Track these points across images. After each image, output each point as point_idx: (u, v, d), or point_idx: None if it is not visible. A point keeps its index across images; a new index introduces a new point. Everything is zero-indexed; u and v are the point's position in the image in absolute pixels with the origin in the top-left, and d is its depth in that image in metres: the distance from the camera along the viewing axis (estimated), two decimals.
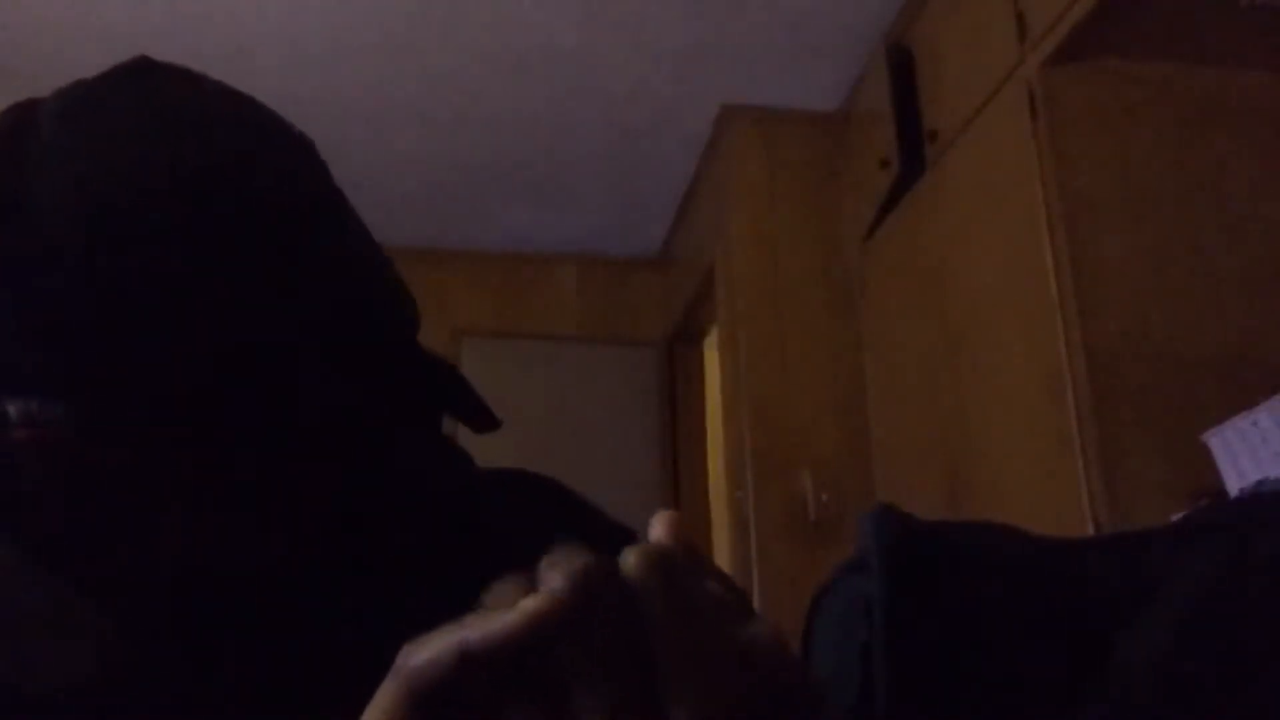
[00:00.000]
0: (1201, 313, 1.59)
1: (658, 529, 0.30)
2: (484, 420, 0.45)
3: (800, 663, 0.30)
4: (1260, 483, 1.31)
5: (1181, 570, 0.43)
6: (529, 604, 0.26)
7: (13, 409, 0.37)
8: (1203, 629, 0.41)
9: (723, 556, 2.96)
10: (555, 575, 0.26)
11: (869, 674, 0.44)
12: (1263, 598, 0.41)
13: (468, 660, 0.26)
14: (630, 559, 0.27)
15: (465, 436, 0.50)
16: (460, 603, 0.28)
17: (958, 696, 0.43)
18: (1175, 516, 1.43)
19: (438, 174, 2.96)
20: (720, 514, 3.01)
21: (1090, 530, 1.52)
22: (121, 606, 0.40)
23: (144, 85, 0.43)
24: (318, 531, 0.41)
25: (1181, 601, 0.42)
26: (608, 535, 0.45)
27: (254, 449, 0.39)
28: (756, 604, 2.30)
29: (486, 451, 0.51)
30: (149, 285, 0.38)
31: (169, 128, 0.41)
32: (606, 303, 3.43)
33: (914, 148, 2.20)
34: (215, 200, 0.39)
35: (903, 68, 2.28)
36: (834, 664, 0.48)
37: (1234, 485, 1.36)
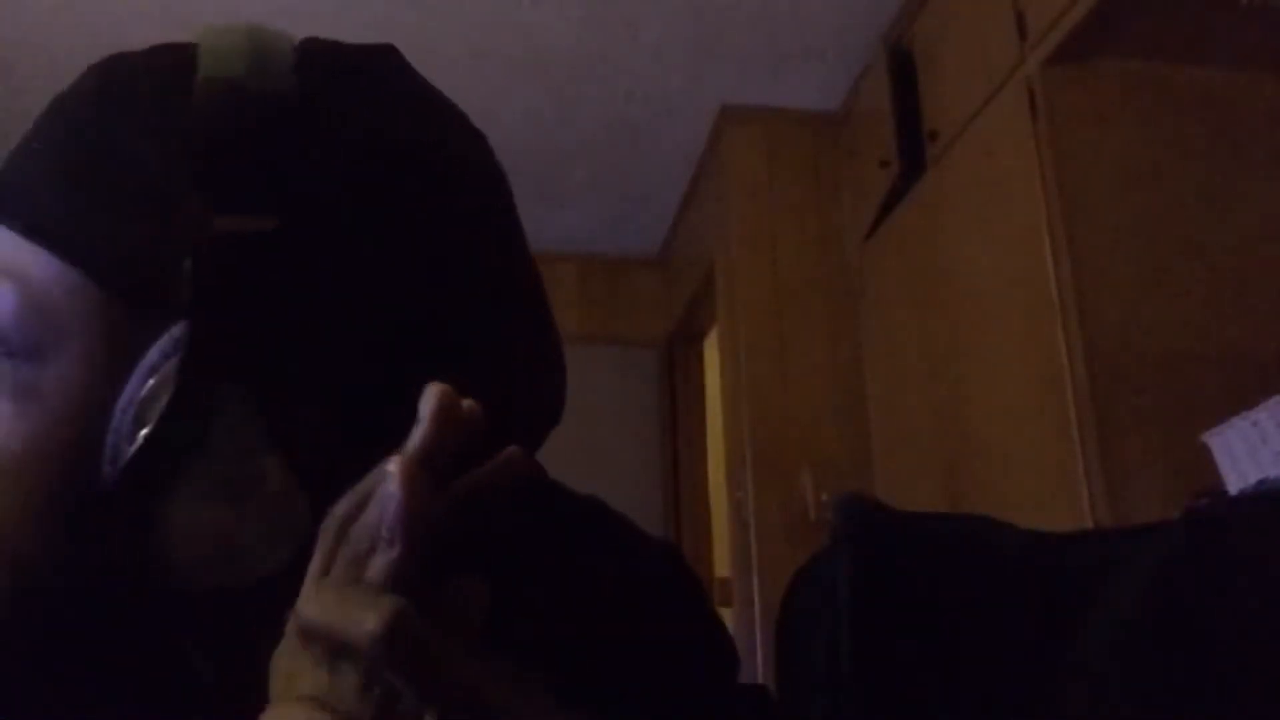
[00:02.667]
0: (1201, 313, 1.59)
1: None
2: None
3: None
4: (1260, 483, 1.31)
5: (1154, 558, 0.44)
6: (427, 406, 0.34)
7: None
8: (1168, 615, 0.42)
9: (723, 556, 2.96)
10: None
11: (835, 655, 0.44)
12: (1234, 586, 0.42)
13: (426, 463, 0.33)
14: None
15: None
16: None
17: (922, 679, 0.43)
18: (1176, 516, 1.43)
19: None
20: (720, 514, 3.01)
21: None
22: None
23: (393, 63, 0.46)
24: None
25: (1136, 588, 0.43)
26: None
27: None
28: (757, 603, 2.30)
29: None
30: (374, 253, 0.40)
31: (426, 106, 0.45)
32: (606, 302, 3.43)
33: (914, 148, 2.20)
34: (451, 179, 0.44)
35: (903, 68, 2.28)
36: (804, 648, 0.48)
37: (1234, 485, 1.36)
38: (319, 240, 0.39)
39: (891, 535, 0.48)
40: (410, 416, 0.35)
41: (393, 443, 0.34)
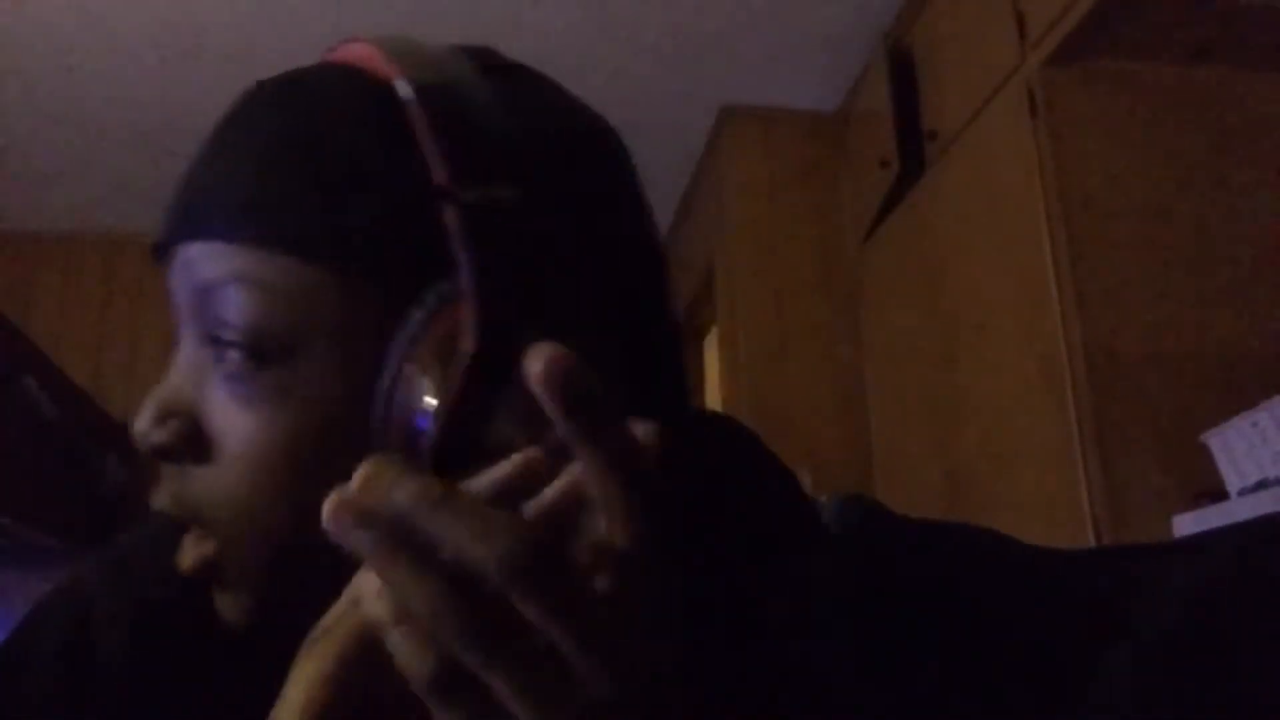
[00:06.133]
0: (1201, 313, 1.59)
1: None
2: None
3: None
4: (1260, 483, 1.31)
5: (1173, 582, 0.42)
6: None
7: None
8: (1193, 643, 0.40)
9: None
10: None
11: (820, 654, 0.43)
12: (1257, 614, 0.40)
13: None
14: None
15: None
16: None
17: (923, 692, 0.42)
18: (1176, 516, 1.43)
19: None
20: None
21: (1090, 530, 1.52)
22: None
23: (522, 72, 0.48)
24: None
25: (1172, 614, 0.41)
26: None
27: None
28: None
29: None
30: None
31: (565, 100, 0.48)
32: None
33: (914, 148, 2.20)
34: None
35: (902, 68, 2.28)
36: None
37: (1234, 485, 1.36)
38: (548, 209, 0.41)
39: (893, 539, 0.47)
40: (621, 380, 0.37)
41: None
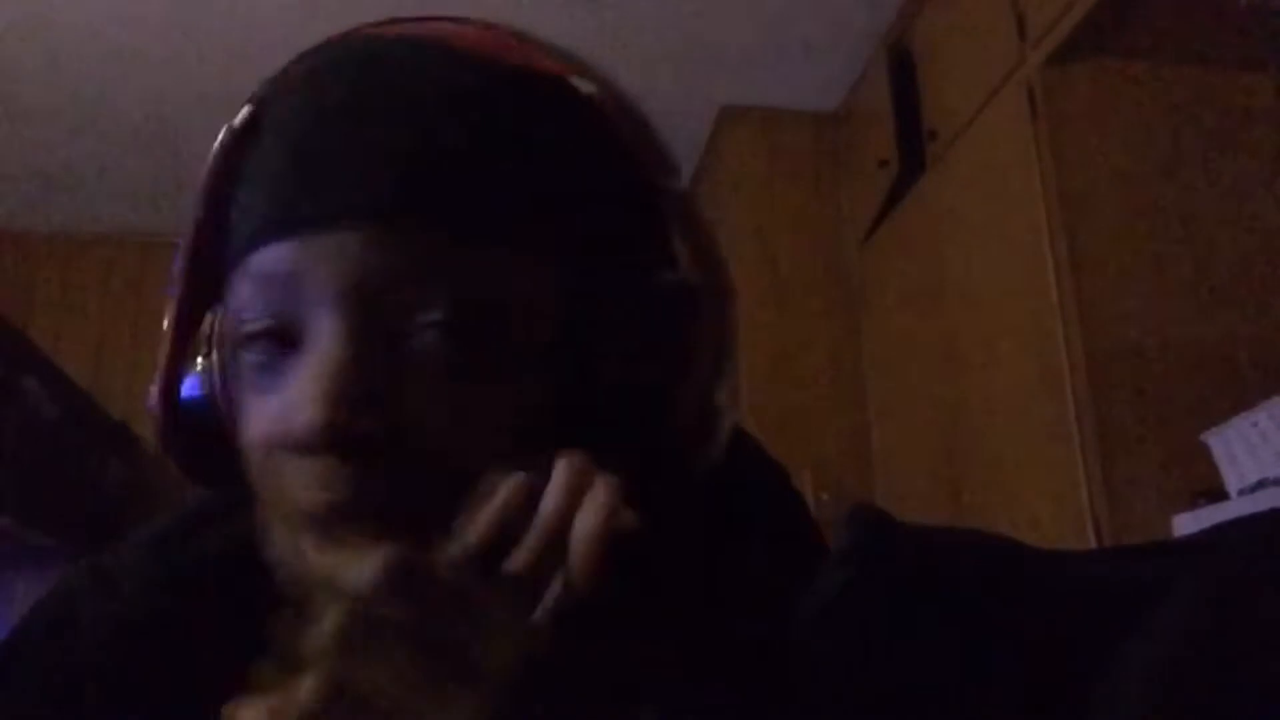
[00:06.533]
0: (1201, 312, 1.59)
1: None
2: None
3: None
4: (1260, 483, 1.31)
5: (1184, 583, 0.41)
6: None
7: None
8: (1208, 644, 0.39)
9: None
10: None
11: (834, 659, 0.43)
12: (1271, 614, 0.39)
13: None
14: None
15: None
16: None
17: (930, 686, 0.41)
18: (1176, 517, 1.43)
19: None
20: None
21: (1090, 530, 1.52)
22: None
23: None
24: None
25: (1182, 617, 0.40)
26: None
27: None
28: None
29: None
30: None
31: None
32: None
33: (914, 147, 2.20)
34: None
35: (902, 68, 2.28)
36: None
37: (1234, 485, 1.36)
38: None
39: (903, 550, 0.46)
40: None
41: None
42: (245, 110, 0.44)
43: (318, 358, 0.39)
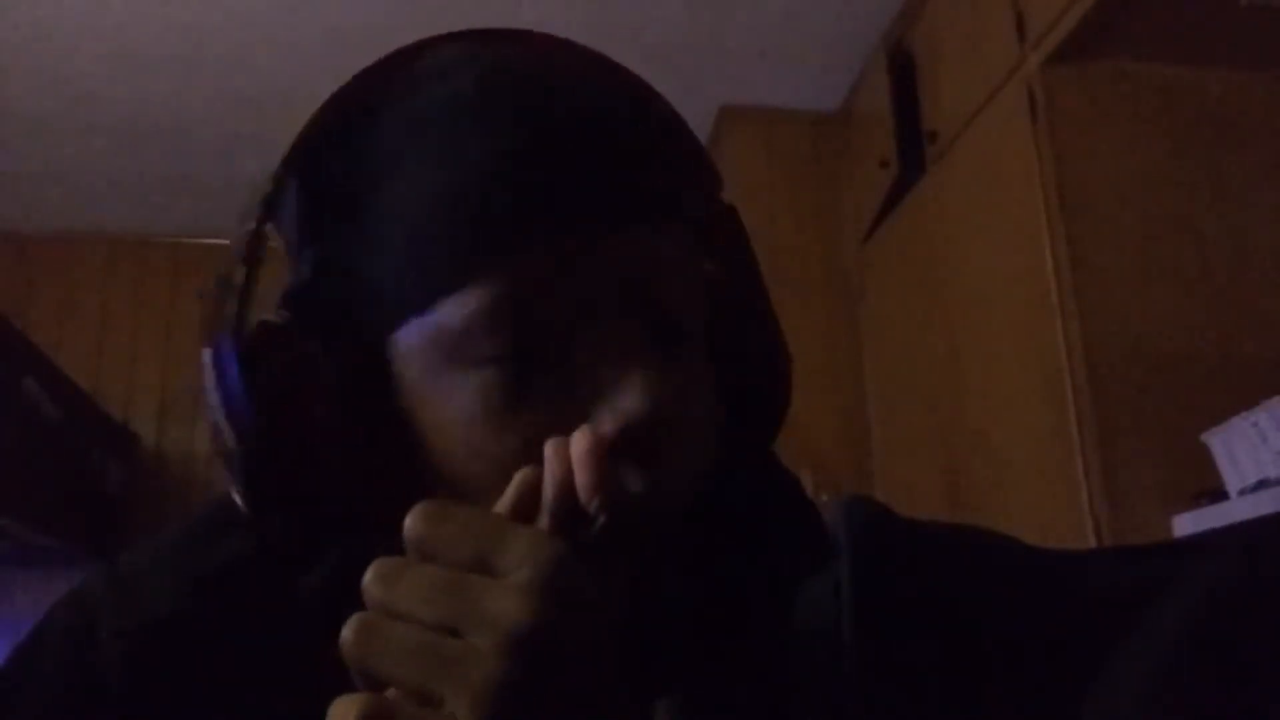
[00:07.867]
0: (1201, 312, 1.59)
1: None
2: None
3: None
4: (1260, 483, 1.31)
5: (1183, 584, 0.41)
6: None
7: None
8: (1206, 644, 0.39)
9: None
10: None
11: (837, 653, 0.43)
12: (1269, 615, 0.40)
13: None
14: None
15: None
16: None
17: (928, 696, 0.41)
18: (1176, 517, 1.43)
19: None
20: None
21: (1090, 530, 1.52)
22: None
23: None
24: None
25: (1183, 615, 0.40)
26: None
27: None
28: None
29: None
30: None
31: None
32: None
33: (914, 148, 2.20)
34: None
35: (902, 68, 2.28)
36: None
37: (1234, 485, 1.36)
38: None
39: (899, 542, 0.46)
40: None
41: None
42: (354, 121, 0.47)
43: (623, 359, 0.39)
